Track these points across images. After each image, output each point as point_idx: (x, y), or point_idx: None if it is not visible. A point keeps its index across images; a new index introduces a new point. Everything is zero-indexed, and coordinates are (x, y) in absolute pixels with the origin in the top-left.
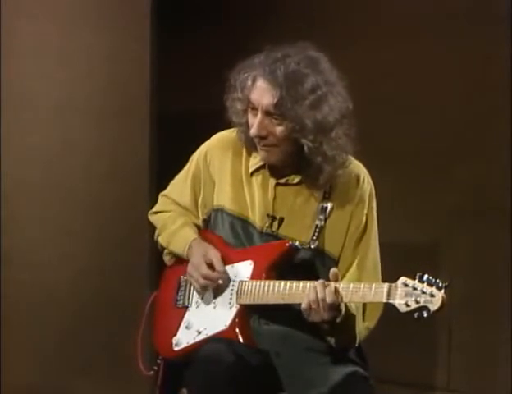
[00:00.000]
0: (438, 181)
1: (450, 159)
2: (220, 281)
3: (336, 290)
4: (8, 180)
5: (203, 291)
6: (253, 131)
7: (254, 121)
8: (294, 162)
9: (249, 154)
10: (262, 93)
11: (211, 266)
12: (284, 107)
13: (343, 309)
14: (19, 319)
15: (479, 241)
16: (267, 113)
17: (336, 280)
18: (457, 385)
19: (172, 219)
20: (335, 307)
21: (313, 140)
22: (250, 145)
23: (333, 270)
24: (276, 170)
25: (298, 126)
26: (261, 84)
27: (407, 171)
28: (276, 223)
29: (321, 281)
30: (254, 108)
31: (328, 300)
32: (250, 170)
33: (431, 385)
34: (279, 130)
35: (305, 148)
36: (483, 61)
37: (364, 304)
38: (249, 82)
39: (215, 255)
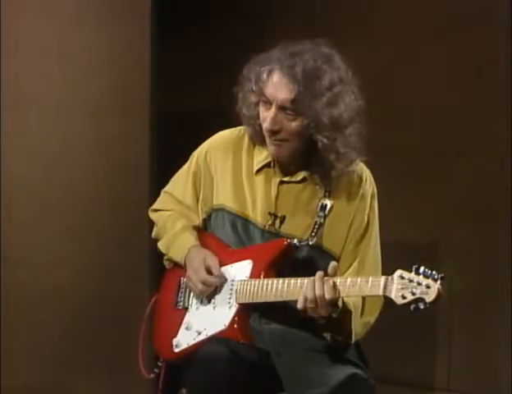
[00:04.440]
0: (438, 181)
1: (450, 159)
2: (217, 284)
3: (335, 286)
4: (8, 180)
5: (201, 296)
6: (266, 125)
7: (267, 115)
8: (302, 158)
9: (250, 153)
10: (278, 87)
11: (209, 271)
12: (301, 103)
13: (340, 305)
14: (19, 319)
15: (479, 241)
16: (281, 108)
17: (335, 274)
18: (457, 385)
19: (171, 222)
20: (333, 303)
21: (327, 137)
22: (258, 139)
23: (333, 263)
24: (281, 168)
25: (313, 123)
26: (278, 78)
27: (407, 170)
28: (278, 221)
29: (319, 274)
30: (268, 102)
31: (328, 296)
32: (255, 168)
33: (431, 385)
34: (293, 125)
35: (319, 144)
36: (483, 60)
37: (363, 300)
38: (265, 75)
39: (213, 261)
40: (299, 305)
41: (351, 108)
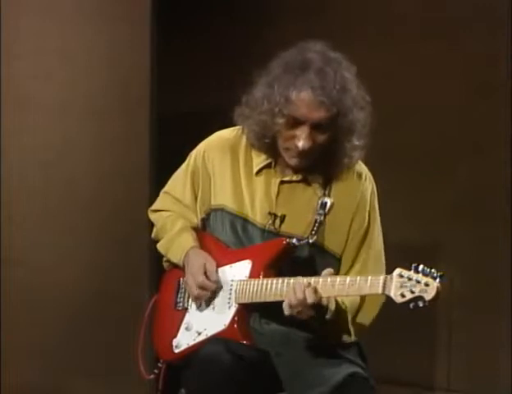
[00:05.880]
0: (438, 181)
1: (450, 159)
2: (213, 289)
3: (316, 290)
4: (8, 181)
5: (197, 301)
6: (302, 145)
7: (299, 134)
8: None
9: (248, 153)
10: (312, 107)
11: (206, 275)
12: (339, 118)
13: (332, 306)
14: (19, 319)
15: (479, 241)
16: (315, 126)
17: None
18: (457, 385)
19: (171, 223)
20: (318, 305)
21: (350, 140)
22: (261, 148)
23: (327, 270)
24: (282, 168)
25: (350, 132)
26: (309, 98)
27: (407, 170)
28: (278, 221)
29: (298, 280)
30: (297, 122)
31: (309, 300)
32: (255, 169)
33: (431, 385)
34: (323, 138)
35: (345, 147)
36: (483, 61)
37: (361, 303)
38: (293, 96)
39: (211, 266)
40: (285, 308)
41: (367, 107)
